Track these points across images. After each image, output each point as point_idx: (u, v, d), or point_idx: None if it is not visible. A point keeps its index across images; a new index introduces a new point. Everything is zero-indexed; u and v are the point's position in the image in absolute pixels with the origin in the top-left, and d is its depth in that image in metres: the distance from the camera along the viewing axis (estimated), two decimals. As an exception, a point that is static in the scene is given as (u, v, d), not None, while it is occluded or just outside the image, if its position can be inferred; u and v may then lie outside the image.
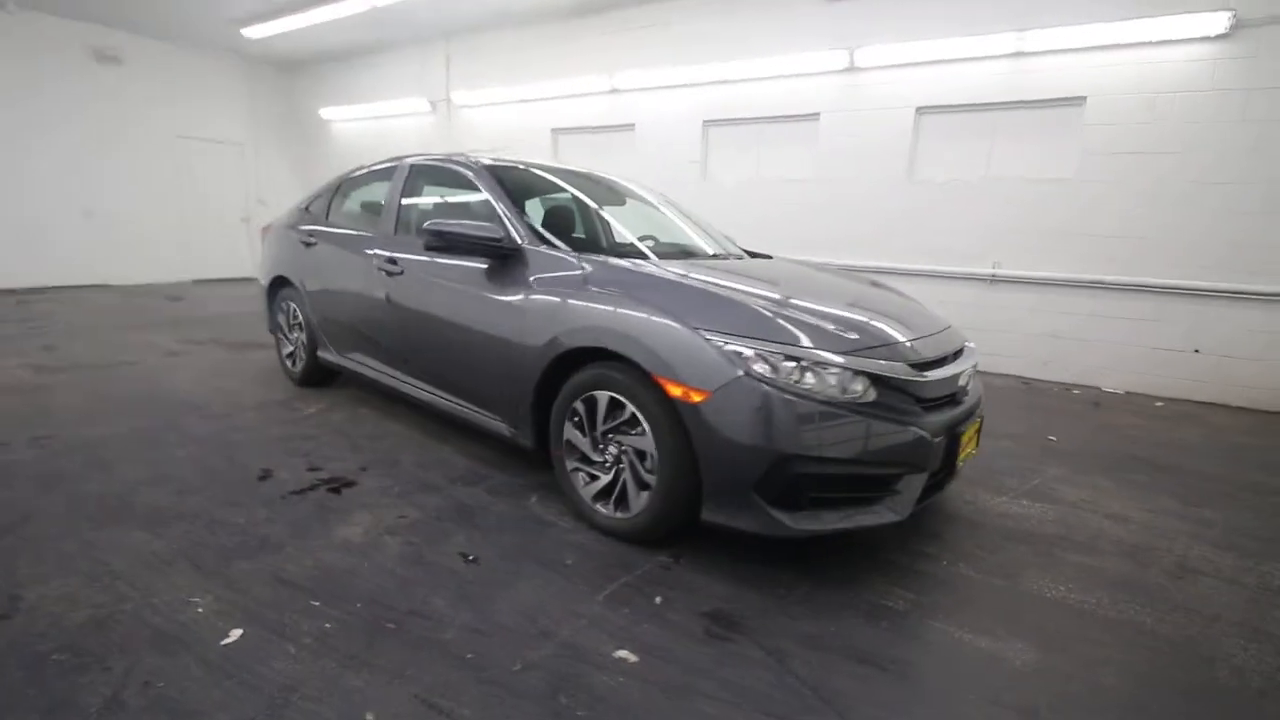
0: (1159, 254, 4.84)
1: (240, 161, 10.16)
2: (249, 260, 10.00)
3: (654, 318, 2.14)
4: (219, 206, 9.93)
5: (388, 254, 3.24)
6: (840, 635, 1.86)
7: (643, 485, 2.22)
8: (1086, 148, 4.96)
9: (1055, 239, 5.17)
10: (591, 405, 2.32)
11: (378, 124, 9.62)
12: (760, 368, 1.96)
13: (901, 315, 2.46)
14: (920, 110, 5.57)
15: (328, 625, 1.79)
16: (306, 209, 4.17)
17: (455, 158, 3.24)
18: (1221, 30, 4.37)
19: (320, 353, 3.92)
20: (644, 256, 2.76)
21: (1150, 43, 4.63)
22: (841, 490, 2.02)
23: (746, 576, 2.13)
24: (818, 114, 6.02)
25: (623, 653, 1.73)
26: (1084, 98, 4.93)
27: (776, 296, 2.31)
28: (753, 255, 3.43)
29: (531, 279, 2.56)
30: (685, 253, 3.13)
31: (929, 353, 2.24)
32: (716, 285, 2.29)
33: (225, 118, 9.90)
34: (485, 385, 2.78)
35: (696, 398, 1.99)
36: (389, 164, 3.65)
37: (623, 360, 2.21)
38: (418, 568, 2.11)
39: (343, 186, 3.98)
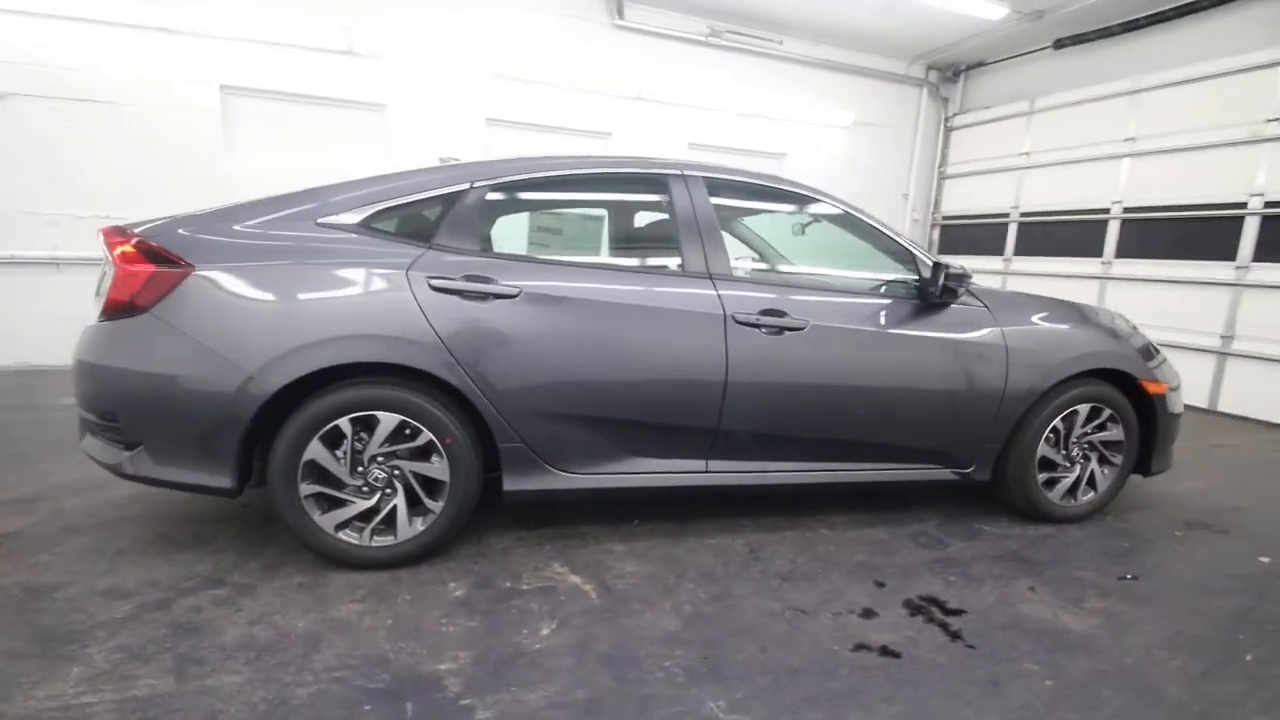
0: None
1: None
2: None
3: (1112, 337, 2.73)
4: None
5: (764, 300, 2.31)
6: None
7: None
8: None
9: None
10: (1071, 419, 2.69)
11: None
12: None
13: None
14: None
15: None
16: (402, 232, 2.14)
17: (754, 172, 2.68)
18: (849, 124, 7.16)
19: (517, 483, 2.14)
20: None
21: (819, 124, 7.08)
22: None
23: None
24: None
25: None
26: (785, 153, 7.06)
27: None
28: None
29: (1000, 316, 2.59)
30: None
31: None
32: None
33: None
34: (927, 438, 2.58)
35: (1161, 390, 2.76)
36: (619, 169, 2.52)
37: (1094, 375, 2.70)
38: None
39: (495, 197, 2.23)
